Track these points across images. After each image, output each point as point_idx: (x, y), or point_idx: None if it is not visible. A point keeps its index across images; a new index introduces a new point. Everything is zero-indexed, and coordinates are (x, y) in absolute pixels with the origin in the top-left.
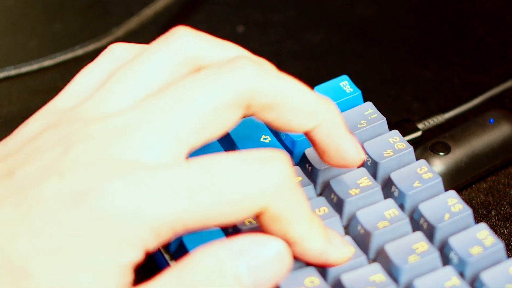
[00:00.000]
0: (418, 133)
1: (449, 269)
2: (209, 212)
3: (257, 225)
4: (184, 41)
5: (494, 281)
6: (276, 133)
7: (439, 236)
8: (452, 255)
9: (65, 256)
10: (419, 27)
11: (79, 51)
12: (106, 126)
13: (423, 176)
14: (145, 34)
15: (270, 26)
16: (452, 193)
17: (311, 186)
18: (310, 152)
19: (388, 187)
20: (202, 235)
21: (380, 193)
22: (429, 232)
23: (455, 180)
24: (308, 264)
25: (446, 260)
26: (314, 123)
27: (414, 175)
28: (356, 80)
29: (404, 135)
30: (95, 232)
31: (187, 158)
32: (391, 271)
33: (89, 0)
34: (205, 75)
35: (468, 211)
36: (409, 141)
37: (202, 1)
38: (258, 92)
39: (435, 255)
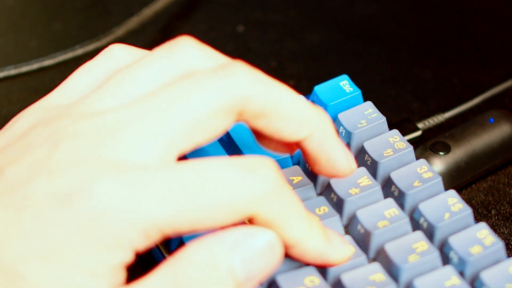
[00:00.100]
0: (418, 133)
1: (449, 269)
2: (198, 216)
3: None
4: (187, 54)
5: (494, 281)
6: None
7: (439, 235)
8: (452, 255)
9: (55, 257)
10: (419, 26)
11: (79, 51)
12: (96, 123)
13: (423, 175)
14: (145, 34)
15: (270, 26)
16: (452, 192)
17: (311, 186)
18: None
19: (388, 187)
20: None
21: (380, 193)
22: (429, 232)
23: (455, 180)
24: (308, 264)
25: (446, 260)
26: (306, 133)
27: (414, 174)
28: (356, 80)
29: (404, 134)
30: (85, 233)
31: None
32: (391, 270)
33: None
34: (200, 79)
35: (468, 211)
36: (409, 141)
37: (202, 1)
38: (251, 98)
39: (435, 255)
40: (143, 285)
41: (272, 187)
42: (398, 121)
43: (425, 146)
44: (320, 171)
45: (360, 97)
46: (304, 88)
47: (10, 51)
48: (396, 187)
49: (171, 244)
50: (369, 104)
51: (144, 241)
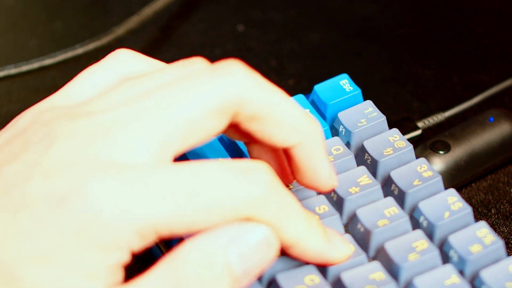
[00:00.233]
0: (418, 132)
1: (449, 267)
2: (193, 218)
3: None
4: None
5: (494, 279)
6: None
7: (439, 234)
8: (452, 253)
9: (52, 258)
10: (419, 26)
11: (79, 50)
12: (91, 122)
13: (423, 174)
14: (145, 33)
15: (270, 25)
16: (452, 191)
17: None
18: None
19: (388, 186)
20: None
21: (380, 192)
22: (429, 230)
23: (455, 179)
24: (308, 263)
25: (446, 258)
26: (297, 140)
27: (414, 173)
28: (356, 79)
29: (404, 133)
30: (81, 234)
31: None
32: (391, 269)
33: None
34: (197, 78)
35: (468, 209)
36: (409, 140)
37: (202, 0)
38: (247, 100)
39: (435, 253)
40: (140, 284)
41: (266, 190)
42: (398, 120)
43: (425, 145)
44: (301, 180)
45: (360, 96)
46: (304, 87)
47: (10, 50)
48: (396, 186)
49: (172, 243)
50: (369, 103)
51: (140, 241)
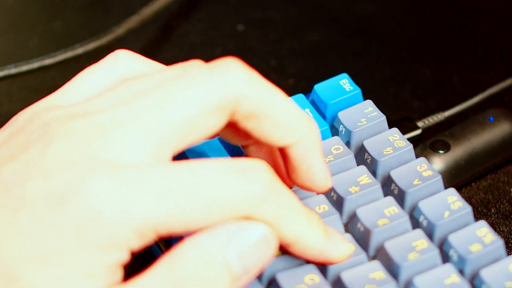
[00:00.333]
0: (418, 131)
1: (448, 267)
2: (191, 217)
3: None
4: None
5: (493, 279)
6: None
7: (438, 233)
8: (451, 253)
9: (51, 258)
10: (419, 25)
11: (79, 50)
12: (89, 121)
13: (423, 174)
14: (145, 33)
15: (270, 25)
16: (452, 190)
17: None
18: None
19: (388, 185)
20: None
21: (380, 191)
22: (429, 230)
23: (454, 178)
24: (308, 261)
25: (445, 258)
26: (293, 139)
27: (414, 173)
28: (356, 79)
29: (404, 133)
30: (80, 233)
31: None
32: (391, 268)
33: None
34: (195, 76)
35: (468, 209)
36: (409, 139)
37: (202, 0)
38: (245, 97)
39: (435, 253)
40: (139, 283)
41: (265, 189)
42: (398, 119)
43: (424, 145)
44: (296, 180)
45: (360, 96)
46: (304, 87)
47: (10, 50)
48: (396, 185)
49: (172, 243)
50: (369, 102)
51: (139, 241)
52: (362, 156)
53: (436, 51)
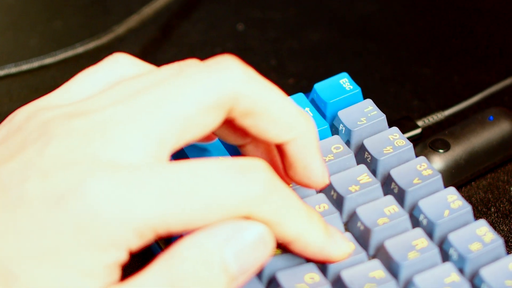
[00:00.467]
0: (418, 130)
1: (448, 265)
2: (191, 217)
3: None
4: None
5: (493, 277)
6: None
7: (438, 232)
8: (451, 252)
9: (50, 257)
10: (419, 25)
11: (79, 49)
12: (88, 121)
13: (423, 173)
14: (145, 32)
15: (270, 24)
16: (452, 189)
17: None
18: None
19: (387, 184)
20: None
21: (380, 190)
22: (429, 229)
23: (454, 177)
24: (308, 260)
25: (445, 257)
26: (290, 136)
27: (413, 172)
28: (356, 78)
29: (403, 132)
30: (79, 233)
31: (170, 159)
32: (391, 267)
33: None
34: (192, 74)
35: (468, 208)
36: (409, 138)
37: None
38: (242, 94)
39: (435, 252)
40: (137, 283)
41: (265, 189)
42: (398, 118)
43: (424, 144)
44: (293, 177)
45: (360, 95)
46: (304, 86)
47: (10, 49)
48: (396, 184)
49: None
50: (369, 101)
51: (138, 240)
52: (362, 155)
53: (436, 50)
